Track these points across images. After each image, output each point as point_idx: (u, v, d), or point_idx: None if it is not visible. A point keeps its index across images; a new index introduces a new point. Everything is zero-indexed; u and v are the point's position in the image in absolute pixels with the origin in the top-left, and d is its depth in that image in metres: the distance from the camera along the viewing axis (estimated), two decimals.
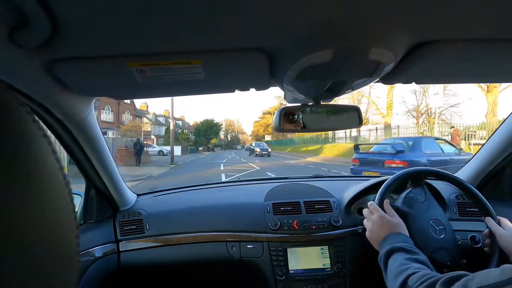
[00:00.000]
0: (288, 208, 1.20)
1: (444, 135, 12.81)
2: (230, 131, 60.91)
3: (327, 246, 1.14)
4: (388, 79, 0.67)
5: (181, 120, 50.98)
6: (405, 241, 0.74)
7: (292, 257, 1.13)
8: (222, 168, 11.90)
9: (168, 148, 28.64)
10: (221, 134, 56.01)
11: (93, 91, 0.70)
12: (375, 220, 0.85)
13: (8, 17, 0.38)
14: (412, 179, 1.02)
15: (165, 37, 0.47)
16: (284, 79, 0.62)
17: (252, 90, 0.71)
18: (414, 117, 23.04)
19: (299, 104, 0.77)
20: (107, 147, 0.98)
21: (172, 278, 1.24)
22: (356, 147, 6.35)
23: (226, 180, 2.44)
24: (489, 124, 12.19)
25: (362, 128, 17.33)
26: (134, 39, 0.47)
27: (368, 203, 0.92)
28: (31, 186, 0.15)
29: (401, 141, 6.35)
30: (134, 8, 0.39)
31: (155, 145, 28.12)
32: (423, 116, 22.65)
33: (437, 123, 15.19)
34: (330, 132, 25.13)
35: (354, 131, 19.50)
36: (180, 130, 41.06)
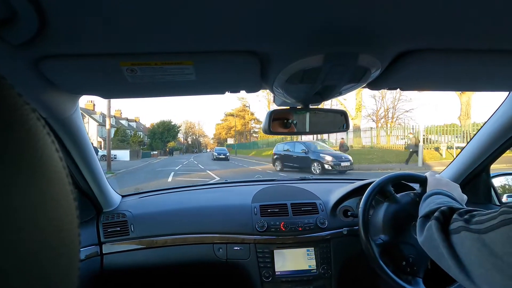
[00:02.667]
0: (275, 210, 1.20)
1: (398, 138, 13.88)
2: (190, 134, 57.58)
3: (313, 248, 1.15)
4: (374, 85, 0.68)
5: (135, 121, 47.09)
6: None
7: (278, 259, 1.13)
8: (170, 179, 9.34)
9: (116, 152, 25.71)
10: (181, 137, 52.74)
11: (80, 89, 0.67)
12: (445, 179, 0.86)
13: None
14: (394, 183, 1.07)
15: (158, 37, 0.46)
16: (274, 82, 0.63)
17: (243, 92, 0.70)
18: (373, 121, 23.57)
19: (288, 107, 0.78)
20: (92, 147, 0.94)
21: (157, 281, 1.20)
22: None
23: (213, 181, 1.89)
24: (463, 127, 12.06)
25: None
26: (125, 38, 0.46)
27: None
28: (37, 184, 0.15)
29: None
30: (126, 7, 0.38)
31: (97, 148, 24.39)
32: (382, 120, 23.20)
33: (394, 127, 16.04)
34: (295, 136, 24.24)
35: (320, 135, 18.80)
36: (131, 132, 37.19)
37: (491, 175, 1.23)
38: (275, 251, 1.13)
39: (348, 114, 0.85)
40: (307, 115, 0.79)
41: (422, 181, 0.99)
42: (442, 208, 0.59)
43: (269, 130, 0.76)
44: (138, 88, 0.64)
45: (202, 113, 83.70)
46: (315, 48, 0.50)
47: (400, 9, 0.40)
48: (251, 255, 1.13)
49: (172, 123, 41.85)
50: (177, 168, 13.60)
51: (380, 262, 0.94)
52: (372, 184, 1.04)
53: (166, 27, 0.43)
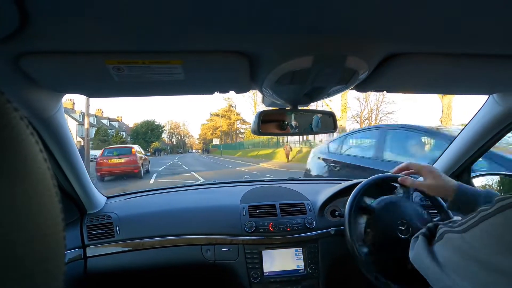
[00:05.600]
0: (264, 210, 1.19)
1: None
2: (175, 134, 56.58)
3: (301, 248, 1.15)
4: (362, 87, 0.69)
5: (118, 121, 45.94)
6: None
7: (267, 259, 1.13)
8: (152, 181, 8.96)
9: (97, 152, 24.76)
10: (165, 137, 51.73)
11: (64, 88, 0.65)
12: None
13: None
14: (384, 183, 1.07)
15: (146, 35, 0.45)
16: (264, 83, 0.63)
17: (232, 92, 0.70)
18: (357, 122, 24.01)
19: (277, 108, 0.79)
20: (76, 147, 0.92)
21: (143, 284, 1.20)
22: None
23: (201, 182, 1.81)
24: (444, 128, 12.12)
25: None
26: (112, 36, 0.44)
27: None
28: (20, 187, 0.14)
29: None
30: (111, 3, 0.37)
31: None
32: (366, 122, 23.65)
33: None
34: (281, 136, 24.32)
35: (305, 136, 18.87)
36: (113, 132, 36.07)
37: (472, 175, 1.26)
38: (263, 251, 1.13)
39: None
40: (296, 116, 0.79)
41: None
42: (428, 225, 0.63)
43: (258, 131, 0.76)
44: (125, 87, 0.62)
45: (187, 113, 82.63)
46: (303, 49, 0.50)
47: (386, 13, 0.41)
48: (239, 256, 1.12)
49: (156, 123, 41.07)
50: (160, 170, 13.19)
51: (365, 262, 0.95)
52: (359, 185, 1.06)
53: (153, 25, 0.42)
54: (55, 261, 0.17)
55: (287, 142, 16.54)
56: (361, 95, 22.92)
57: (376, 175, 1.08)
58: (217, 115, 45.01)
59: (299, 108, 0.77)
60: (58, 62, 0.50)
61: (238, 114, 44.32)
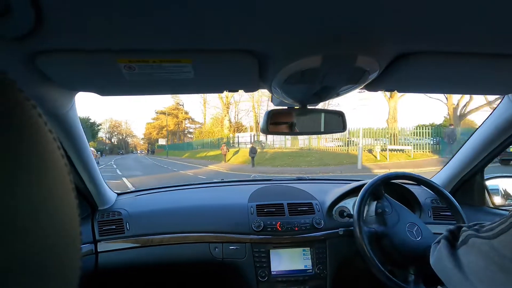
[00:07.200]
0: (272, 209, 1.20)
1: (328, 141, 14.07)
2: (115, 133, 51.36)
3: (309, 248, 1.15)
4: (372, 87, 0.69)
5: None
6: None
7: (274, 259, 1.13)
8: None
9: None
10: (103, 137, 46.60)
11: (77, 86, 0.66)
12: None
13: None
14: (390, 183, 1.10)
15: (157, 34, 0.45)
16: (273, 82, 0.63)
17: (241, 91, 0.71)
18: None
19: (286, 107, 0.79)
20: (88, 144, 0.94)
21: (152, 280, 1.21)
22: None
23: (210, 180, 1.78)
24: (390, 129, 12.69)
25: None
26: (124, 35, 0.45)
27: None
28: (40, 183, 0.15)
29: None
30: (124, 3, 0.38)
31: None
32: None
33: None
34: (231, 136, 23.39)
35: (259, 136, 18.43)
36: None
37: (485, 177, 1.22)
38: (271, 250, 1.13)
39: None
40: (305, 115, 0.79)
41: (417, 180, 1.11)
42: (450, 228, 0.59)
43: (267, 130, 0.77)
44: (135, 85, 0.63)
45: (131, 111, 75.76)
46: (313, 49, 0.50)
47: (398, 12, 0.41)
48: (247, 255, 1.12)
49: (91, 121, 36.53)
50: None
51: (376, 262, 0.93)
52: (365, 185, 1.05)
53: (164, 25, 0.42)
54: (72, 256, 0.17)
55: (224, 143, 18.06)
56: None
57: (382, 175, 1.08)
58: (163, 113, 41.87)
59: (308, 107, 0.76)
60: (72, 60, 0.50)
61: (186, 113, 41.95)
